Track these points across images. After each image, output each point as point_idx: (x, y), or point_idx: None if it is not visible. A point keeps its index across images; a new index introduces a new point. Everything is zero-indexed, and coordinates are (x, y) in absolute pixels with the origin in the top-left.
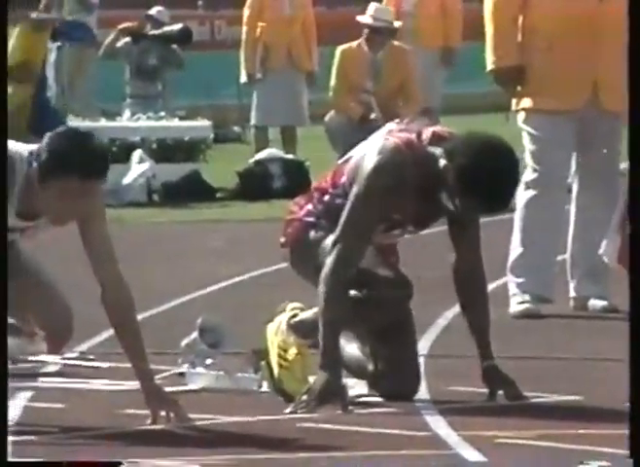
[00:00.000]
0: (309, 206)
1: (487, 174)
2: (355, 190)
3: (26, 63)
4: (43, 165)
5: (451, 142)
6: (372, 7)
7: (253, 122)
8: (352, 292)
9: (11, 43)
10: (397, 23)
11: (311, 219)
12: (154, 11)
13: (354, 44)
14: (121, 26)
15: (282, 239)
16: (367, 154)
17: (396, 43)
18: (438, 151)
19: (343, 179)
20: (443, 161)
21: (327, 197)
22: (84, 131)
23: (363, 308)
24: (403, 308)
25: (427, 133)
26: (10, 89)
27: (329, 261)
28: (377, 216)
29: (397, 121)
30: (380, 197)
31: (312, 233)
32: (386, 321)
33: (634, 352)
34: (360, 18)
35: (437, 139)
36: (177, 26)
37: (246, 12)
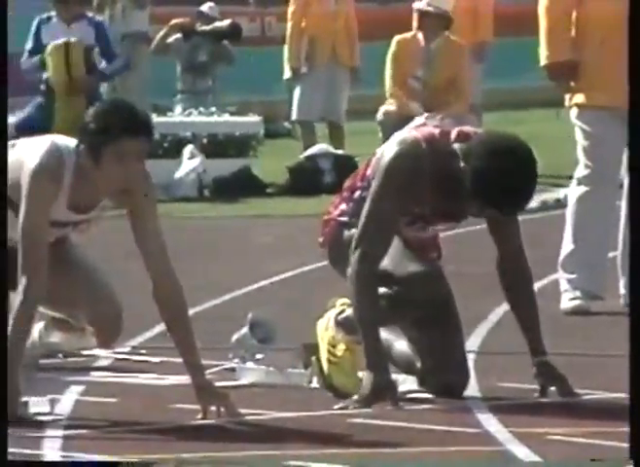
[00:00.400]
0: (343, 206)
1: (500, 176)
2: (374, 182)
3: (79, 78)
4: (91, 142)
5: (468, 142)
6: None
7: (293, 117)
8: (382, 289)
9: (54, 58)
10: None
11: (345, 219)
12: (205, 7)
13: (410, 34)
14: (172, 23)
15: (320, 239)
16: (388, 146)
17: (452, 36)
18: (459, 150)
19: (369, 172)
20: (461, 161)
21: (357, 194)
22: (117, 98)
23: (394, 306)
24: (439, 304)
25: (454, 131)
26: (63, 104)
27: (353, 258)
28: (395, 208)
29: (426, 115)
30: (396, 188)
31: (346, 233)
32: (420, 317)
33: (634, 352)
34: (415, 4)
35: (462, 138)
36: (227, 22)
37: (291, 6)
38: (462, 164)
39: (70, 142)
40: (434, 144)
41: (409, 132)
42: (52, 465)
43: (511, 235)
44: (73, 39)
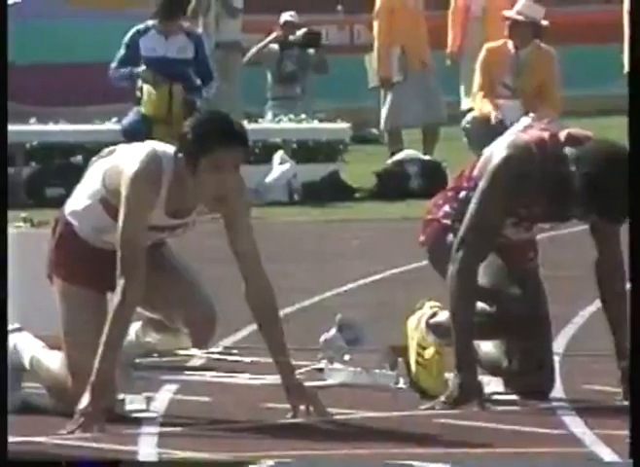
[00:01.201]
0: (446, 208)
1: (611, 184)
2: (482, 183)
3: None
4: (189, 152)
5: (581, 147)
6: (520, 2)
7: (385, 125)
8: (480, 305)
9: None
10: (544, 22)
11: (448, 221)
12: (286, 15)
13: (500, 42)
14: (272, 36)
15: (421, 238)
16: (497, 148)
17: (542, 44)
18: (569, 154)
19: (475, 172)
20: (571, 165)
21: (462, 194)
22: (214, 110)
23: (490, 321)
24: (530, 310)
25: (562, 134)
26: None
27: (455, 258)
28: (501, 211)
29: (532, 115)
30: (505, 191)
31: (450, 236)
32: (517, 330)
33: (634, 352)
34: (506, 12)
35: (571, 141)
36: (303, 30)
37: (376, 18)
38: (572, 169)
39: (169, 149)
40: (544, 147)
41: (519, 136)
42: (52, 465)
43: (612, 237)
44: (176, 87)
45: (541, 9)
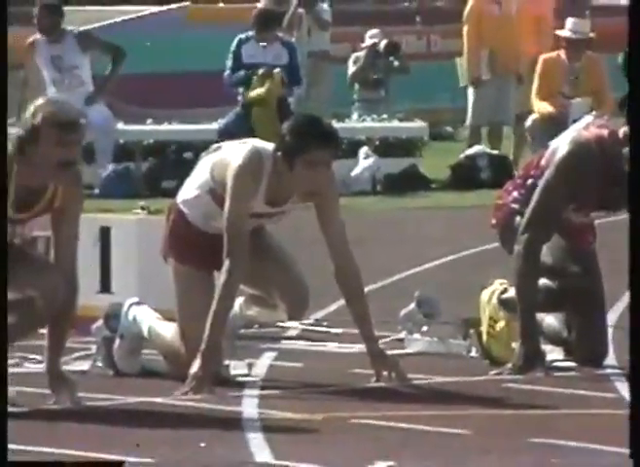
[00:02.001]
0: (515, 194)
1: None
2: (546, 174)
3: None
4: (286, 151)
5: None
6: (569, 21)
7: (469, 121)
8: (544, 281)
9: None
10: (591, 34)
11: (516, 206)
12: (371, 33)
13: (554, 53)
14: (358, 66)
15: (493, 221)
16: (562, 143)
17: (591, 53)
18: (624, 150)
19: (543, 162)
20: (625, 161)
21: (529, 181)
22: (309, 114)
23: (553, 296)
24: (589, 287)
25: (620, 132)
26: (259, 115)
27: (520, 239)
28: (562, 199)
29: (594, 113)
30: (567, 180)
31: (517, 219)
32: (576, 305)
33: (634, 353)
34: (559, 32)
35: (627, 138)
36: (384, 42)
37: (466, 23)
38: (626, 164)
39: (268, 146)
40: (603, 145)
41: (581, 132)
42: (51, 465)
43: None
44: (277, 71)
45: (587, 22)
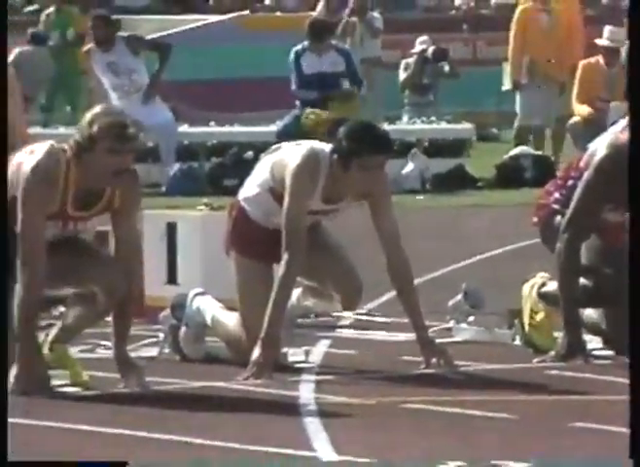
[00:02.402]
0: (556, 194)
1: None
2: (585, 176)
3: None
4: (342, 155)
5: None
6: (607, 30)
7: (517, 122)
8: (582, 280)
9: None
10: (627, 42)
11: (557, 206)
12: (421, 39)
13: (593, 59)
14: (408, 74)
15: (534, 219)
16: (600, 145)
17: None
18: None
19: (582, 164)
20: None
21: (570, 182)
22: (364, 121)
23: (590, 294)
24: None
25: None
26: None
27: (562, 238)
28: (600, 199)
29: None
30: (605, 181)
31: (558, 218)
32: (611, 302)
33: (634, 353)
34: (598, 41)
35: None
36: (432, 48)
37: (513, 31)
38: None
39: (325, 148)
40: None
41: (617, 136)
42: (51, 465)
43: None
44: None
45: (623, 31)
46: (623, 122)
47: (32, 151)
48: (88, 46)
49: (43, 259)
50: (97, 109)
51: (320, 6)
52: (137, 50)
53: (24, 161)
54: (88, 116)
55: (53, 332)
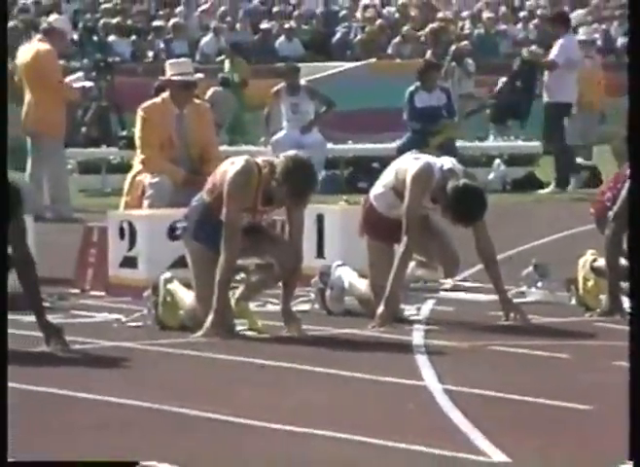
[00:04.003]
0: (609, 194)
1: None
2: (628, 182)
3: None
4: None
5: None
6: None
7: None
8: (622, 260)
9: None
10: None
11: (609, 204)
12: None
13: None
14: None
15: (592, 211)
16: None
17: None
18: None
19: (627, 172)
20: None
21: (619, 185)
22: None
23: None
24: None
25: None
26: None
27: (610, 227)
28: None
29: None
30: None
31: (609, 212)
32: None
33: (634, 352)
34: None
35: None
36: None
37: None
38: None
39: (437, 161)
40: None
41: None
42: (51, 465)
43: None
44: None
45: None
46: None
47: (233, 162)
48: (277, 87)
49: (238, 239)
50: (292, 163)
51: (428, 54)
52: (313, 97)
53: (228, 169)
54: (283, 160)
55: (238, 291)
